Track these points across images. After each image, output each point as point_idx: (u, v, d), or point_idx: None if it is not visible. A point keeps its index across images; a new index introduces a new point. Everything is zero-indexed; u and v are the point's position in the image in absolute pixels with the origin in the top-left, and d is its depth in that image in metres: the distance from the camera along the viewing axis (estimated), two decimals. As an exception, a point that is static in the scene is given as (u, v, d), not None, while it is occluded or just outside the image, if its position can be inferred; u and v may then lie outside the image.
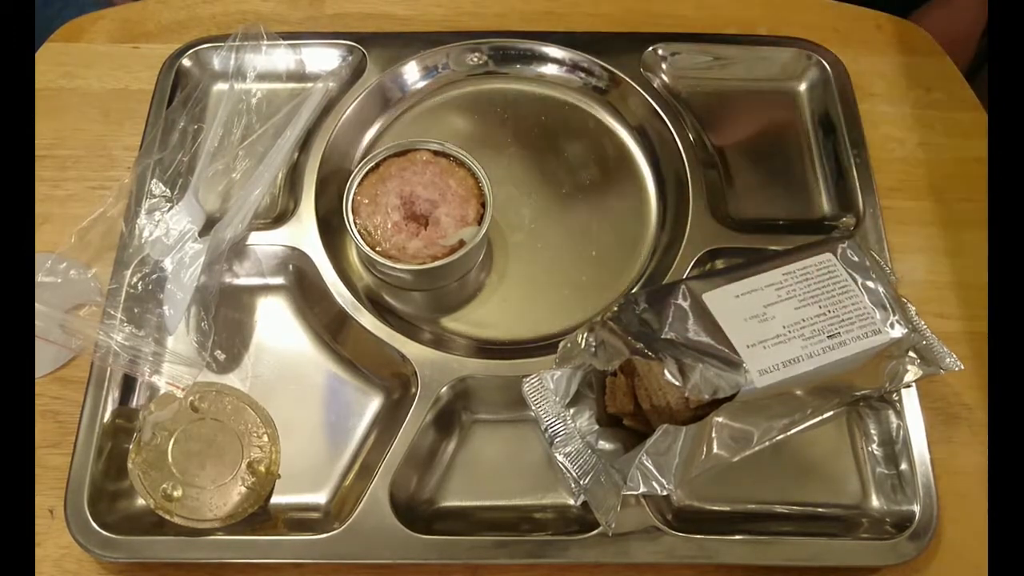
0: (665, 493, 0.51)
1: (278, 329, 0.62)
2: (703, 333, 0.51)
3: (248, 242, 0.62)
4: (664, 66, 0.72)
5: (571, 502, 0.56)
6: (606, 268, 0.64)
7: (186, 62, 0.70)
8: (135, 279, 0.60)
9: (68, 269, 0.62)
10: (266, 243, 0.62)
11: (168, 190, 0.63)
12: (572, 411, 0.56)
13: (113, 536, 0.53)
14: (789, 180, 0.68)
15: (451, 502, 0.57)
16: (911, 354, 0.56)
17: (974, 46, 0.78)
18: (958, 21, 0.77)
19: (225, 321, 0.61)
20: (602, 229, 0.65)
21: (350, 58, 0.71)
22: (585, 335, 0.54)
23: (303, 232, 0.62)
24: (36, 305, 0.57)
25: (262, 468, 0.55)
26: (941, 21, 0.76)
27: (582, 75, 0.71)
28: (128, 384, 0.58)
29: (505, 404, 0.58)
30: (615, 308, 0.54)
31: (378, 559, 0.53)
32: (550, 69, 0.72)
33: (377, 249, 0.59)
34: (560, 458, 0.54)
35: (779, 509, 0.56)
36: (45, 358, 0.60)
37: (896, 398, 0.57)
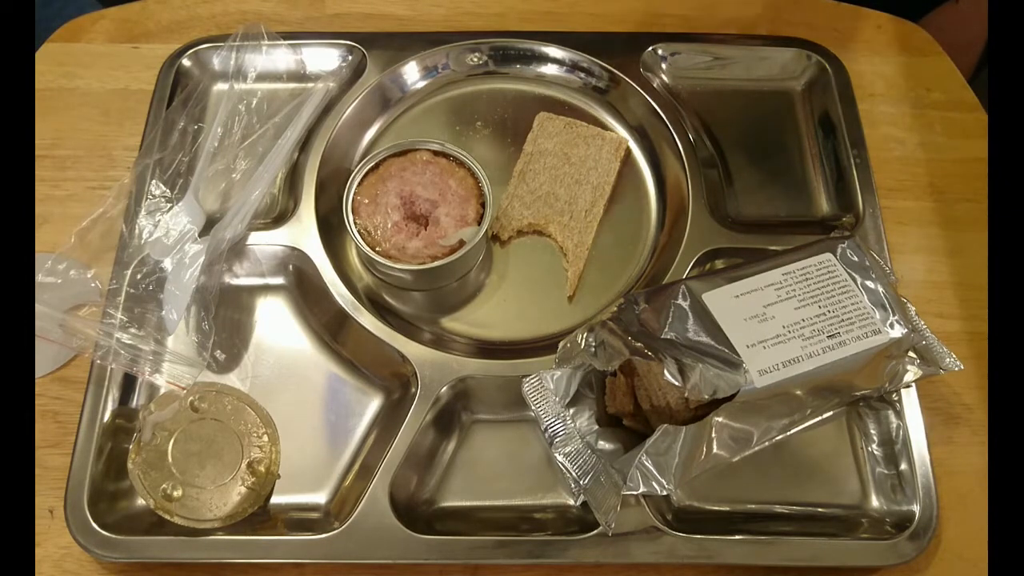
0: (665, 493, 0.51)
1: (278, 329, 0.62)
2: (703, 333, 0.51)
3: (248, 242, 0.62)
4: (664, 66, 0.72)
5: (571, 502, 0.56)
6: (606, 268, 0.64)
7: (186, 62, 0.70)
8: (135, 279, 0.60)
9: (68, 269, 0.62)
10: (266, 243, 0.62)
11: (168, 190, 0.64)
12: (572, 411, 0.56)
13: (113, 536, 0.53)
14: (789, 180, 0.68)
15: (451, 502, 0.57)
16: (911, 354, 0.56)
17: (980, 48, 0.77)
18: (969, 22, 0.76)
19: (225, 321, 0.61)
20: (602, 229, 0.65)
21: (350, 58, 0.71)
22: (585, 335, 0.54)
23: (303, 232, 0.63)
24: (36, 305, 0.57)
25: (262, 468, 0.55)
26: (953, 22, 0.75)
27: (582, 75, 0.71)
28: (128, 384, 0.59)
29: (505, 404, 0.58)
30: (615, 308, 0.54)
31: (378, 559, 0.53)
32: (550, 69, 0.72)
33: (377, 249, 0.59)
34: (560, 458, 0.54)
35: (779, 509, 0.56)
36: (45, 358, 0.60)
37: (896, 398, 0.57)
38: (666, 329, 0.52)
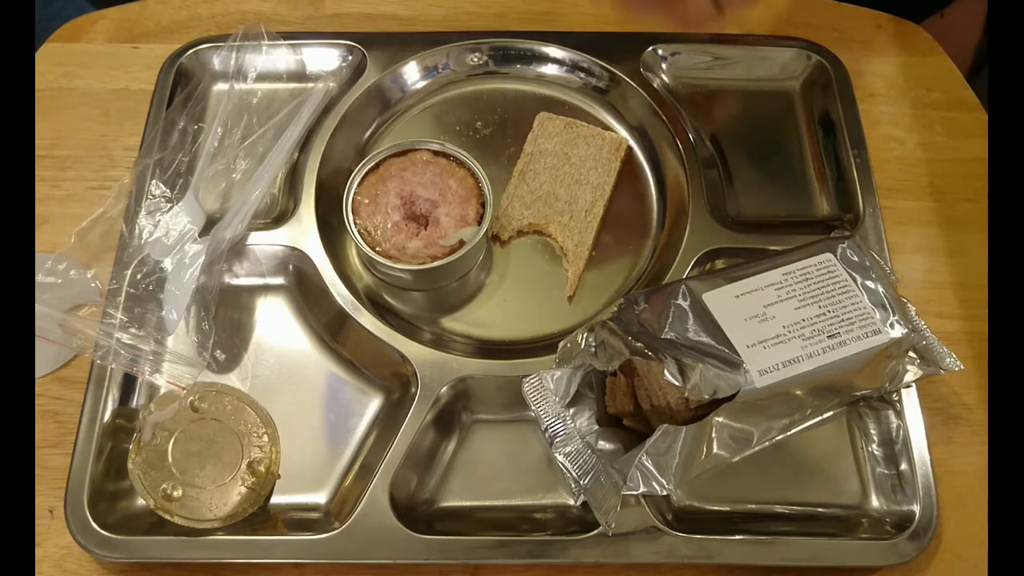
0: (665, 493, 0.51)
1: (278, 329, 0.62)
2: (703, 333, 0.51)
3: (248, 242, 0.62)
4: (664, 66, 0.72)
5: (571, 502, 0.56)
6: (606, 268, 0.64)
7: (186, 62, 0.70)
8: (135, 279, 0.60)
9: (68, 269, 0.62)
10: (266, 243, 0.62)
11: (168, 190, 0.64)
12: (572, 411, 0.56)
13: (113, 536, 0.53)
14: (789, 180, 0.68)
15: (451, 502, 0.57)
16: (911, 354, 0.56)
17: (967, 57, 0.78)
18: (956, 32, 0.77)
19: (225, 321, 0.61)
20: (602, 229, 0.65)
21: (350, 58, 0.71)
22: (585, 335, 0.54)
23: (303, 232, 0.63)
24: (36, 305, 0.57)
25: (262, 468, 0.55)
26: (939, 33, 0.75)
27: (582, 75, 0.71)
28: (128, 384, 0.59)
29: (505, 404, 0.58)
30: (615, 308, 0.54)
31: (378, 559, 0.53)
32: (550, 69, 0.72)
33: (377, 249, 0.59)
34: (560, 458, 0.54)
35: (779, 509, 0.56)
36: (45, 358, 0.60)
37: (896, 398, 0.57)
38: (666, 329, 0.52)
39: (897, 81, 0.72)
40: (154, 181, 0.64)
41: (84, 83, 0.71)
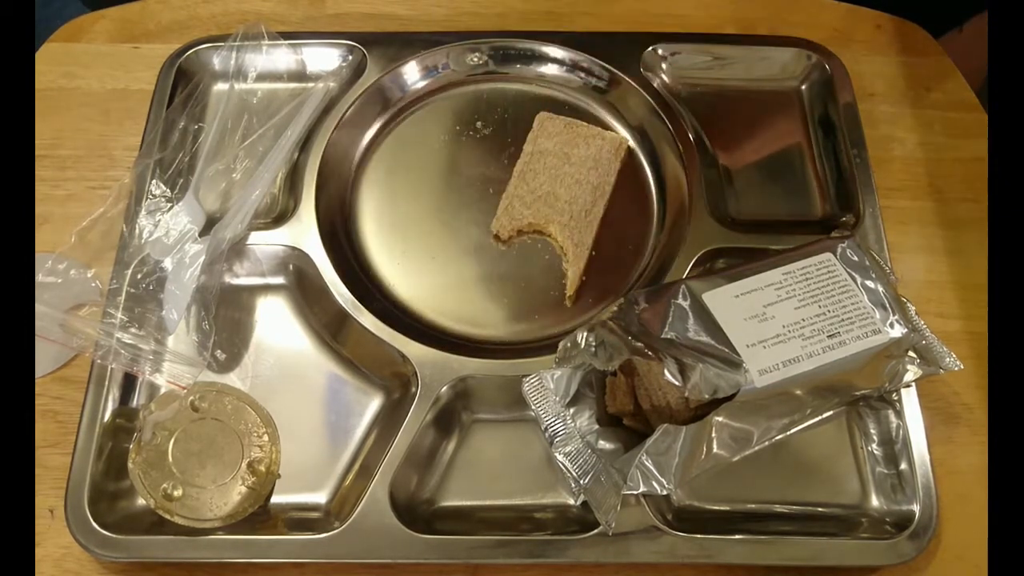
0: (665, 493, 0.51)
1: (278, 329, 0.62)
2: (703, 333, 0.51)
3: (248, 242, 0.62)
4: (664, 66, 0.72)
5: (571, 502, 0.56)
6: (606, 268, 0.64)
7: (186, 62, 0.70)
8: (135, 279, 0.60)
9: (68, 269, 0.62)
10: (266, 243, 0.62)
11: (168, 190, 0.64)
12: (572, 411, 0.56)
13: (113, 536, 0.53)
14: (789, 180, 0.68)
15: (451, 502, 0.57)
16: (911, 354, 0.56)
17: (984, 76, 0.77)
18: (973, 50, 0.76)
19: (225, 321, 0.61)
20: (602, 229, 0.65)
21: (350, 58, 0.71)
22: (585, 335, 0.54)
23: (303, 232, 0.63)
24: (36, 305, 0.57)
25: (262, 468, 0.55)
26: (956, 50, 0.75)
27: (582, 75, 0.71)
28: (128, 384, 0.59)
29: (505, 404, 0.58)
30: (615, 308, 0.54)
31: (378, 559, 0.53)
32: (550, 69, 0.72)
33: None
34: (560, 458, 0.54)
35: (779, 509, 0.56)
36: (45, 358, 0.60)
37: (896, 398, 0.57)
38: (666, 329, 0.52)
39: (897, 81, 0.72)
40: (154, 181, 0.64)
41: (84, 83, 0.71)
